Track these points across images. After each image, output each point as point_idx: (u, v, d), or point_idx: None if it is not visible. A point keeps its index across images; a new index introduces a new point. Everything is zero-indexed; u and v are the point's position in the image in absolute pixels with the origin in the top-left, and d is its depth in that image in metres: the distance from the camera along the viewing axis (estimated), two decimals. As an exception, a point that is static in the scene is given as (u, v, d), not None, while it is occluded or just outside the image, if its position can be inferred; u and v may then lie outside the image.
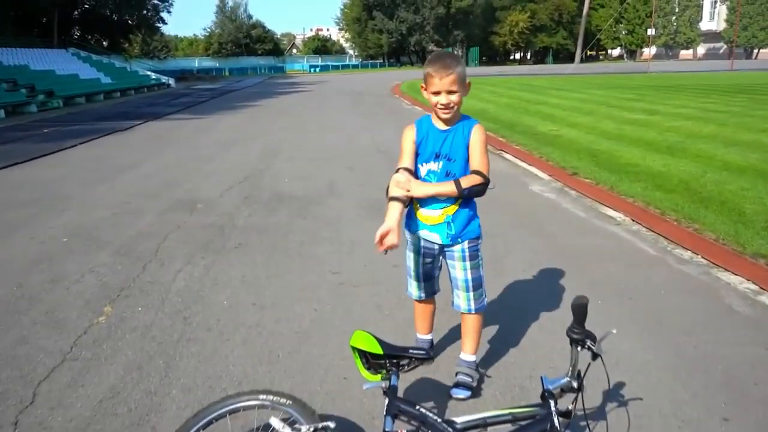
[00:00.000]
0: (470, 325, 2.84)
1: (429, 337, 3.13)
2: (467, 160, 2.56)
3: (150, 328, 3.55)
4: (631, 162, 8.37)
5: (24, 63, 28.85)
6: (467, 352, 2.87)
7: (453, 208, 2.61)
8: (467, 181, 2.49)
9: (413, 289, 2.92)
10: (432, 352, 3.14)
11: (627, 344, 3.28)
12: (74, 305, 3.89)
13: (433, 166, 2.61)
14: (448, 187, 2.49)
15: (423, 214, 2.67)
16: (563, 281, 4.22)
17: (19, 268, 4.63)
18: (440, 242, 2.69)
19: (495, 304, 3.84)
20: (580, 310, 2.04)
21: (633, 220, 5.72)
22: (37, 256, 4.89)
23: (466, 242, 2.68)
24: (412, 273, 2.87)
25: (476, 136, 2.54)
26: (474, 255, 2.70)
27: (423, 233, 2.72)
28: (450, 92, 2.47)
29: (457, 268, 2.75)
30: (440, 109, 2.52)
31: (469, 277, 2.73)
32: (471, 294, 2.76)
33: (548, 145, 10.04)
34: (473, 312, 2.79)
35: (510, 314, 3.68)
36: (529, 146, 10.14)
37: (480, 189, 2.51)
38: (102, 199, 6.92)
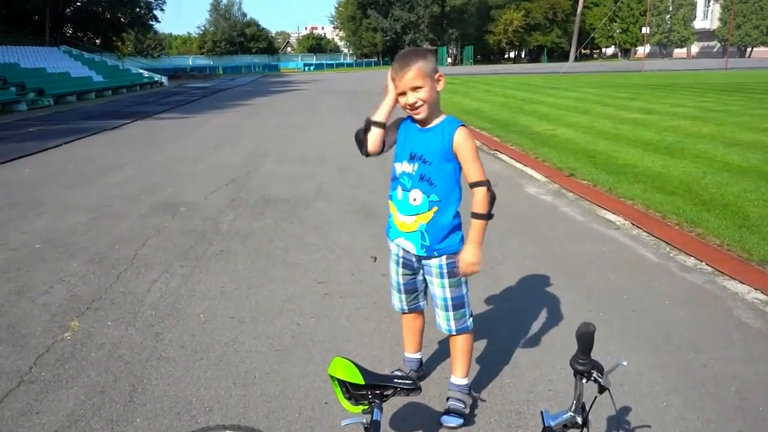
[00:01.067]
0: (457, 346, 2.60)
1: (417, 356, 2.88)
2: (444, 164, 2.32)
3: (118, 345, 3.29)
4: (629, 162, 8.14)
5: (14, 61, 28.49)
6: (457, 375, 2.62)
7: (427, 216, 2.37)
8: (479, 204, 2.31)
9: (395, 301, 2.69)
10: (422, 371, 2.91)
11: (632, 362, 3.04)
12: (39, 319, 3.62)
13: (408, 167, 2.38)
14: (480, 226, 2.34)
15: (399, 219, 2.44)
16: (562, 291, 3.98)
17: (-15, 277, 4.37)
18: (415, 252, 2.45)
19: (489, 316, 3.61)
20: (585, 338, 1.79)
21: (633, 224, 5.49)
22: (5, 265, 4.61)
23: (444, 257, 2.42)
24: (393, 283, 2.64)
25: (463, 143, 2.30)
26: (453, 272, 2.44)
27: (399, 241, 2.48)
28: (414, 89, 2.24)
29: (434, 285, 2.51)
30: (409, 109, 2.31)
31: (448, 295, 2.49)
32: (450, 314, 2.51)
33: (544, 146, 9.81)
34: (454, 333, 2.55)
35: (505, 329, 3.44)
36: (524, 146, 9.91)
37: (490, 199, 2.31)
38: (81, 203, 6.64)
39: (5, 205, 6.54)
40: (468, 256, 2.35)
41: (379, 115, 2.37)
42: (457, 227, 2.43)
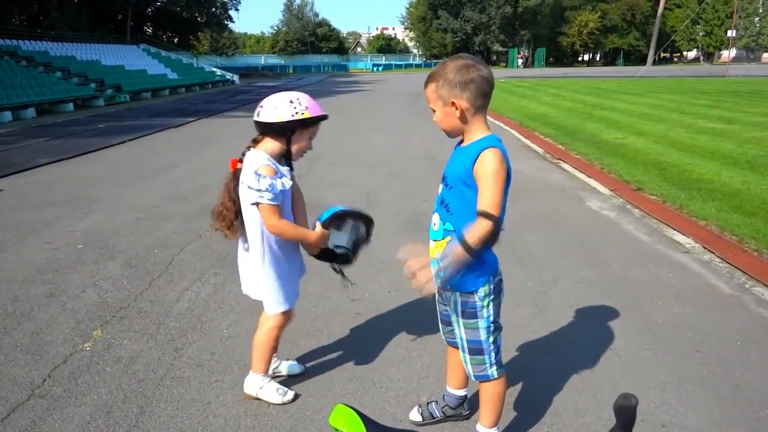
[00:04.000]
0: (483, 393, 2.30)
1: (459, 393, 2.56)
2: (463, 190, 2.01)
3: (135, 359, 3.16)
4: (704, 177, 7.51)
5: (96, 58, 29.84)
6: (482, 424, 2.32)
7: (441, 245, 2.09)
8: (473, 234, 1.90)
9: (441, 330, 2.44)
10: (463, 411, 2.61)
11: (692, 415, 2.65)
12: (64, 326, 3.55)
13: (440, 187, 2.14)
14: (453, 251, 1.93)
15: (429, 242, 2.19)
16: (617, 324, 3.59)
17: (23, 278, 4.36)
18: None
19: (532, 349, 3.27)
20: (626, 413, 1.47)
21: (704, 248, 4.98)
22: (45, 265, 4.62)
23: (457, 294, 2.14)
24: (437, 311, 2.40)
25: (482, 164, 1.93)
26: (469, 314, 2.14)
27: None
28: (433, 110, 2.04)
29: (452, 320, 2.24)
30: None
31: (464, 336, 2.20)
32: (467, 357, 2.23)
33: (611, 155, 9.24)
34: (473, 379, 2.27)
35: (548, 366, 3.10)
36: (590, 156, 9.36)
37: (488, 238, 1.91)
38: (131, 202, 6.68)
39: (59, 202, 6.66)
40: (416, 265, 1.97)
41: None
42: (473, 265, 2.03)
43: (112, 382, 2.94)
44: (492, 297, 2.14)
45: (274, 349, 2.82)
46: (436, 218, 2.13)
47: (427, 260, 2.03)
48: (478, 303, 2.12)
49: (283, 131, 2.49)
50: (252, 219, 2.53)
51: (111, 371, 3.05)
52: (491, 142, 1.98)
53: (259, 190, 2.41)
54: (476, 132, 2.03)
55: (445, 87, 1.96)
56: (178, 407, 2.73)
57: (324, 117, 2.59)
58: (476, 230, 1.90)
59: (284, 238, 2.56)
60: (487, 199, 1.90)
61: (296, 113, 2.46)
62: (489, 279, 2.11)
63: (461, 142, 2.10)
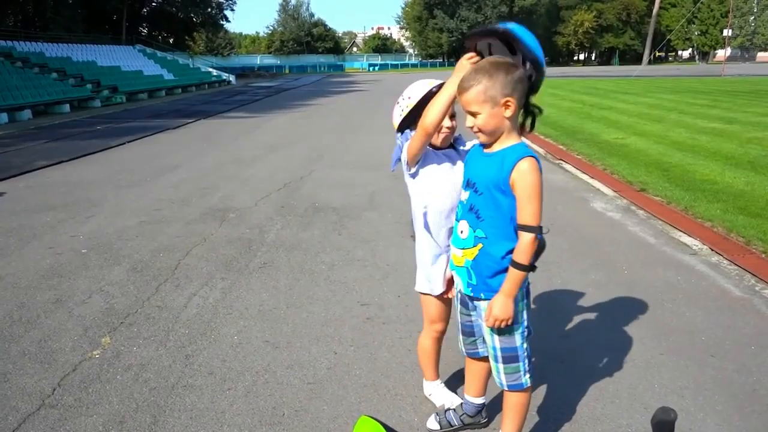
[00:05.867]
0: (509, 402, 2.27)
1: (478, 401, 2.53)
2: (497, 197, 1.99)
3: (146, 367, 3.12)
4: (707, 178, 7.51)
5: (92, 59, 29.72)
6: (506, 432, 2.30)
7: (472, 252, 2.07)
8: (521, 253, 1.97)
9: (459, 340, 2.41)
10: (481, 419, 2.57)
11: (711, 422, 2.62)
12: (72, 333, 3.51)
13: (464, 194, 2.11)
14: (516, 278, 2.00)
15: (452, 251, 2.19)
16: (629, 328, 3.56)
17: (28, 284, 4.31)
18: (462, 290, 2.17)
19: (545, 355, 3.23)
20: (665, 428, 1.44)
21: (712, 250, 4.96)
22: (49, 271, 4.57)
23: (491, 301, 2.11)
24: (457, 320, 2.37)
25: (523, 176, 1.93)
26: None
27: (453, 274, 2.24)
28: (470, 113, 1.96)
29: (485, 331, 2.20)
30: (470, 129, 2.03)
31: (497, 345, 2.16)
32: (500, 366, 2.19)
33: (613, 156, 9.22)
34: (505, 388, 2.22)
35: (564, 372, 3.07)
36: (591, 156, 9.34)
37: (537, 249, 1.97)
38: (132, 205, 6.63)
39: (60, 206, 6.60)
40: (495, 309, 2.03)
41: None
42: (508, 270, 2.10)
43: (123, 390, 2.90)
44: (525, 301, 2.14)
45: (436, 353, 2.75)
46: (464, 225, 2.09)
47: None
48: (515, 308, 2.10)
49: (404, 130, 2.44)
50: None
51: (122, 379, 3.00)
52: (527, 151, 1.96)
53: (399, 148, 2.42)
54: (510, 137, 2.00)
55: (497, 86, 1.89)
56: (192, 416, 2.69)
57: (430, 93, 2.30)
58: (526, 247, 1.95)
59: (428, 124, 2.16)
60: (530, 211, 1.93)
61: (402, 111, 2.41)
62: (523, 282, 2.10)
63: (486, 146, 2.06)
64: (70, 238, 5.40)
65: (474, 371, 2.46)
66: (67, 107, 20.61)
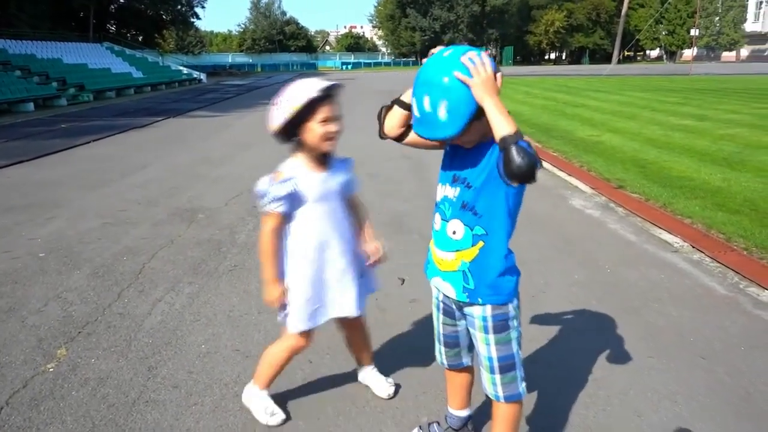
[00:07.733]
0: (500, 415, 2.10)
1: (462, 413, 2.37)
2: (492, 190, 1.81)
3: (104, 382, 2.88)
4: (684, 175, 7.47)
5: (58, 56, 28.95)
6: (498, 450, 2.13)
7: (471, 253, 1.88)
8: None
9: (436, 352, 2.24)
10: (470, 429, 2.41)
11: (707, 428, 2.50)
12: (24, 345, 3.25)
13: (450, 191, 1.92)
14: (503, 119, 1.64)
15: (437, 255, 1.98)
16: (617, 330, 3.43)
17: (-22, 291, 4.03)
18: (455, 297, 1.97)
19: (532, 361, 3.08)
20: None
21: (693, 247, 4.88)
22: (2, 276, 4.28)
23: (489, 307, 1.94)
24: (434, 332, 2.19)
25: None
26: (501, 326, 1.96)
27: (437, 282, 2.02)
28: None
29: (478, 340, 2.02)
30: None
31: (494, 354, 1.99)
32: (497, 377, 2.02)
33: (589, 153, 9.17)
34: (501, 400, 2.05)
35: (552, 379, 2.92)
36: (567, 153, 9.27)
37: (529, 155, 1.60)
38: (96, 206, 6.32)
39: (19, 207, 6.27)
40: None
41: (408, 96, 1.91)
42: (510, 270, 1.94)
43: (78, 408, 2.66)
44: (517, 303, 1.99)
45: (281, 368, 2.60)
46: (457, 225, 1.90)
47: None
48: (511, 312, 1.96)
49: (287, 138, 2.29)
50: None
51: (77, 396, 2.76)
52: None
53: (262, 197, 2.25)
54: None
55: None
56: (154, 436, 2.48)
57: (319, 97, 2.20)
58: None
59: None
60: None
61: (283, 116, 2.20)
62: (517, 285, 1.97)
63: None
64: (28, 242, 5.10)
65: (457, 383, 2.30)
66: (31, 105, 19.97)
